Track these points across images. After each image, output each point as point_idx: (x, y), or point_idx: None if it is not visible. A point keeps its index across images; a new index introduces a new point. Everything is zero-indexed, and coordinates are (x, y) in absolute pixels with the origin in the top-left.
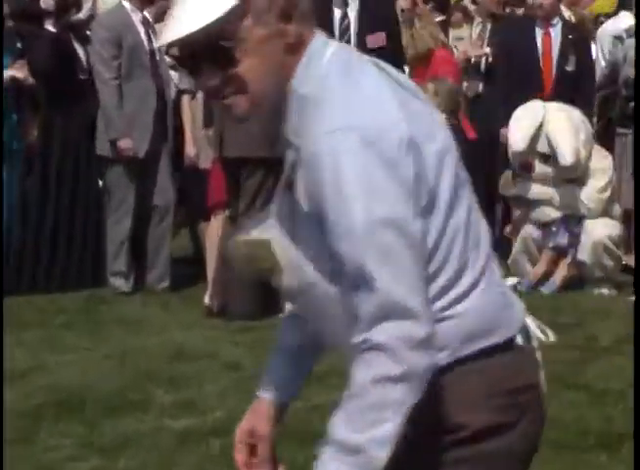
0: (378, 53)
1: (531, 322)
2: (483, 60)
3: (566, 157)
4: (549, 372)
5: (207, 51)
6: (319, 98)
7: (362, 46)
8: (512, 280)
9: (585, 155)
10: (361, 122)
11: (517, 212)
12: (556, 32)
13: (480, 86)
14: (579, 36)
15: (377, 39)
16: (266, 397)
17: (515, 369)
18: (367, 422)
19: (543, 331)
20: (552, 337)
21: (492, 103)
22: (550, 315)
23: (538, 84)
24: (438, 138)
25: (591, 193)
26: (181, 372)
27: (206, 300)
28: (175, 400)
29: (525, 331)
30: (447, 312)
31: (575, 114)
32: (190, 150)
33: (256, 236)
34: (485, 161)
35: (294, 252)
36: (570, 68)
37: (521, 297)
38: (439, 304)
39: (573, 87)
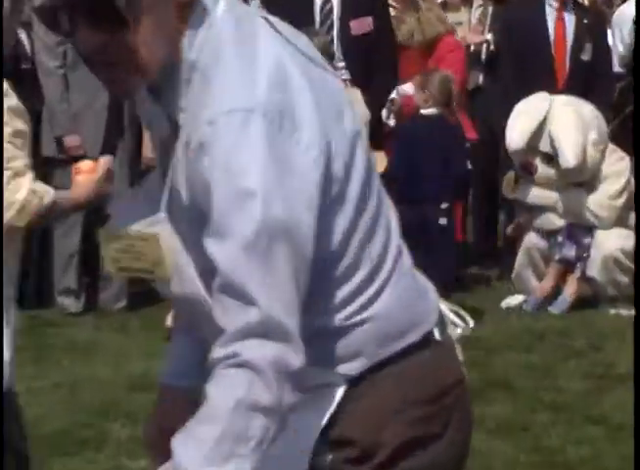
0: (363, 40)
1: (446, 308)
2: (484, 48)
3: (567, 157)
4: (562, 403)
5: (94, 9)
6: (211, 66)
7: (346, 33)
8: (517, 298)
9: (596, 156)
10: (263, 103)
11: (520, 219)
12: (569, 16)
13: (481, 78)
14: (595, 21)
15: (362, 25)
16: (176, 384)
17: (435, 367)
18: (222, 454)
19: (462, 317)
20: (471, 323)
21: (494, 97)
22: (560, 338)
23: (550, 76)
24: (347, 116)
25: (601, 199)
26: (140, 404)
27: (169, 321)
28: (133, 436)
29: (441, 321)
30: (359, 317)
31: (586, 108)
32: (147, 150)
33: (142, 229)
34: (487, 161)
35: (182, 251)
36: (585, 57)
37: (527, 317)
38: (350, 308)
39: (589, 79)
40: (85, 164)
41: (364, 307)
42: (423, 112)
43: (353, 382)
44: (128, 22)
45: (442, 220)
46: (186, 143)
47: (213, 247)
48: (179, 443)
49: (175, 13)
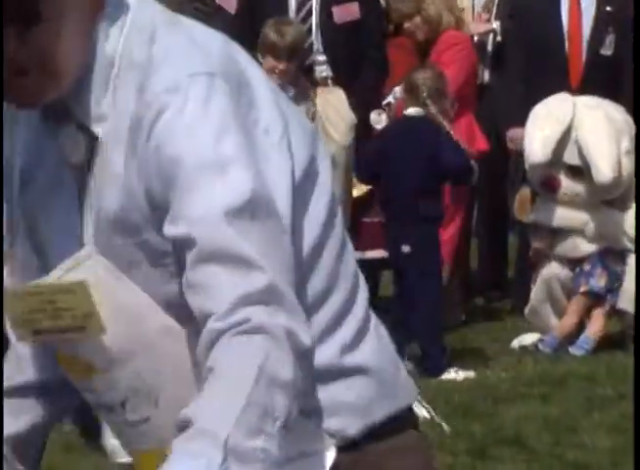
0: (348, 30)
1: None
2: (490, 38)
3: (603, 171)
4: (586, 463)
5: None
6: (144, 50)
7: (327, 21)
8: (532, 337)
9: (630, 167)
10: (220, 68)
11: (536, 245)
12: (588, 2)
13: (487, 74)
14: (619, 6)
15: (347, 11)
16: None
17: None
18: (250, 426)
19: None
20: None
21: (502, 96)
22: (584, 385)
23: (561, 74)
24: (308, 127)
25: (635, 220)
26: (78, 468)
27: None
28: None
29: None
30: (343, 364)
31: (616, 112)
32: None
33: (62, 275)
34: (493, 173)
35: (130, 291)
36: (606, 51)
37: (544, 360)
38: (333, 345)
39: (611, 77)
40: None
41: (344, 353)
42: (405, 112)
43: (344, 449)
44: (43, 17)
45: (405, 248)
46: (130, 127)
47: (190, 225)
48: (196, 410)
49: (89, 9)
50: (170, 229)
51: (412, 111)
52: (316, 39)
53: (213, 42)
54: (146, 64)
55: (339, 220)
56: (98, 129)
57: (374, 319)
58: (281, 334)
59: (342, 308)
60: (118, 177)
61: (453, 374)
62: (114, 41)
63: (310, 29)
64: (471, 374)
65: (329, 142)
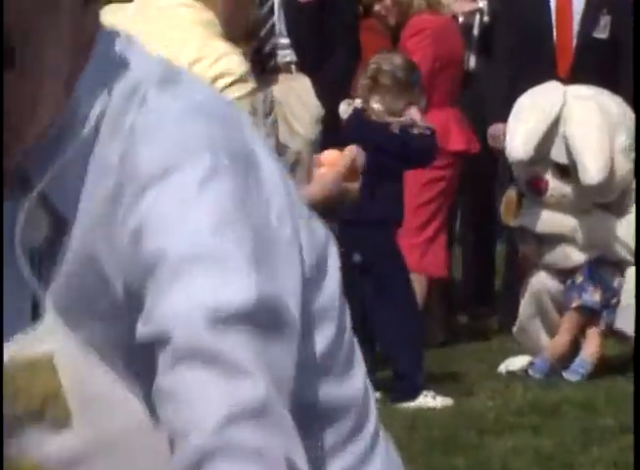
0: (315, 10)
1: None
2: (477, 20)
3: (590, 170)
4: None
5: None
6: (127, 112)
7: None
8: (521, 360)
9: (627, 167)
10: (224, 143)
11: (524, 252)
12: None
13: (473, 60)
14: None
15: None
16: None
17: None
18: None
19: None
20: None
21: (489, 86)
22: (580, 414)
23: (548, 60)
24: (312, 217)
25: (635, 225)
26: None
27: None
28: None
29: None
30: None
31: (612, 102)
32: None
33: (18, 350)
34: (479, 173)
35: (102, 376)
36: (600, 34)
37: (534, 386)
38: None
39: (607, 63)
40: (329, 155)
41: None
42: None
43: None
44: (19, 62)
45: (356, 257)
46: (103, 207)
47: (167, 321)
48: None
49: (74, 54)
50: (142, 331)
51: (357, 101)
52: (278, 20)
53: (219, 110)
54: (132, 130)
55: (347, 324)
56: (63, 204)
57: (382, 431)
58: (280, 462)
59: (353, 424)
60: (83, 258)
61: (432, 401)
62: (97, 101)
63: (272, 9)
64: (452, 402)
65: (292, 136)
